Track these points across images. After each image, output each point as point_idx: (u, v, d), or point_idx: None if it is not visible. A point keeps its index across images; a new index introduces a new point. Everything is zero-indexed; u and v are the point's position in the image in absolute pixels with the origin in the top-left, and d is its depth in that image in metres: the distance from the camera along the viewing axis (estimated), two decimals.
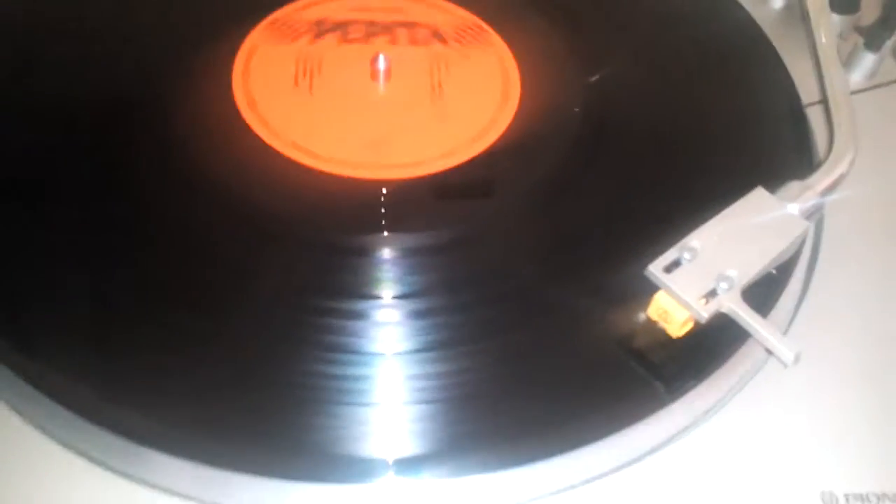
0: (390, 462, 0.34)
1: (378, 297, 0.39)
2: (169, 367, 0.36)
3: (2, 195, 0.41)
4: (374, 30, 0.48)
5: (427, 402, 0.36)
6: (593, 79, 0.47)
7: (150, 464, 0.35)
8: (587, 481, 0.36)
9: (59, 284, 0.38)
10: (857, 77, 0.52)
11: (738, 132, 0.46)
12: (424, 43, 0.48)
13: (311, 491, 0.35)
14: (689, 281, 0.36)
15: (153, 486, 0.35)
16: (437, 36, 0.48)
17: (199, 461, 0.34)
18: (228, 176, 0.41)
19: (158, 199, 0.41)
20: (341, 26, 0.48)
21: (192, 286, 0.38)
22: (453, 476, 0.35)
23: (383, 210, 0.42)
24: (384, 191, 0.42)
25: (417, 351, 0.37)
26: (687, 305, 0.35)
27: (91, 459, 0.35)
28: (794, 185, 0.40)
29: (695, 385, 0.37)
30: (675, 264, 0.36)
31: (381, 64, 0.45)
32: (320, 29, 0.48)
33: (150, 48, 0.46)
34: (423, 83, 0.46)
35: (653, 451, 0.37)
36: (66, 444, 0.36)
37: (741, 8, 0.52)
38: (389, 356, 0.37)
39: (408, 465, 0.34)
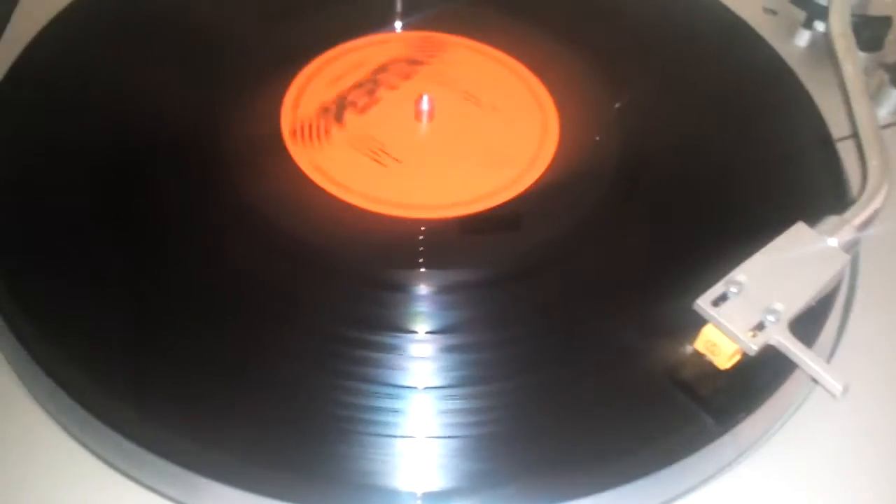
0: (419, 495, 0.35)
1: (413, 332, 0.39)
2: (203, 392, 0.37)
3: (57, 226, 0.42)
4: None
5: (459, 436, 0.36)
6: (618, 108, 0.49)
7: (182, 484, 0.35)
8: None
9: (111, 311, 0.39)
10: (882, 112, 0.52)
11: (771, 168, 0.47)
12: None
13: None
14: (737, 314, 0.36)
15: None
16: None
17: (230, 485, 0.35)
18: (274, 210, 0.43)
19: (206, 230, 0.42)
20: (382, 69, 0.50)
21: (234, 317, 0.39)
22: None
23: (421, 247, 0.43)
24: (423, 228, 0.43)
25: (451, 386, 0.38)
26: (736, 339, 0.36)
27: (129, 476, 0.36)
28: (832, 220, 0.40)
29: (744, 417, 0.37)
30: (723, 298, 0.37)
31: (426, 105, 0.46)
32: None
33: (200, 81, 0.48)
34: (466, 121, 0.47)
35: (700, 485, 0.37)
36: (103, 458, 0.37)
37: (768, 46, 0.53)
38: (421, 389, 0.37)
39: (436, 498, 0.35)
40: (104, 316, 0.39)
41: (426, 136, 0.47)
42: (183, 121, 0.46)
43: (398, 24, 0.53)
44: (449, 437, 0.36)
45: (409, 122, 0.47)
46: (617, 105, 0.49)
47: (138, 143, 0.46)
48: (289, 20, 0.52)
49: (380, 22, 0.52)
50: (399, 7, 0.53)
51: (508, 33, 0.52)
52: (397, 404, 0.37)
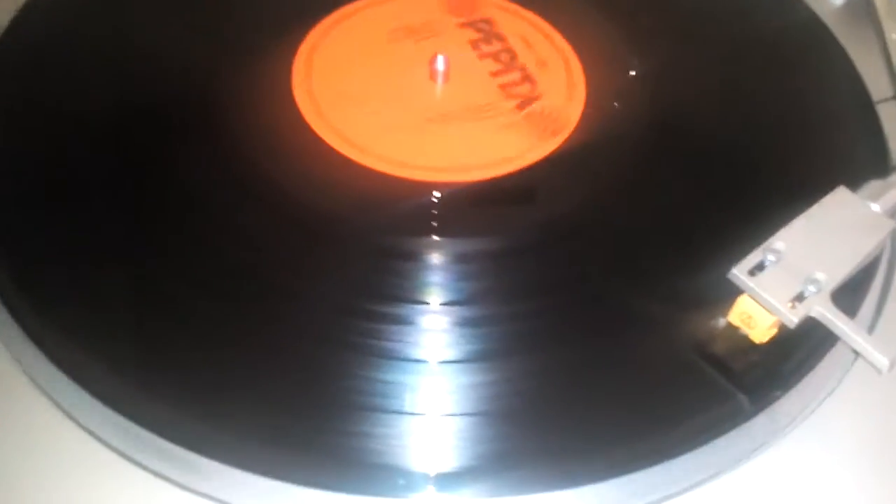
0: (432, 476, 0.33)
1: (426, 303, 0.37)
2: (205, 368, 0.35)
3: (57, 194, 0.40)
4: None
5: (474, 414, 0.34)
6: (644, 71, 0.46)
7: (187, 466, 0.34)
8: None
9: (109, 283, 0.38)
10: None
11: (808, 131, 0.45)
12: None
13: (346, 502, 0.33)
14: (775, 284, 0.34)
15: (189, 489, 0.34)
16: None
17: (237, 467, 0.33)
18: (283, 175, 0.41)
19: (209, 197, 0.41)
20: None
21: (237, 287, 0.38)
22: (497, 495, 0.33)
23: (436, 213, 0.40)
24: (438, 194, 0.41)
25: (466, 361, 0.36)
26: (775, 310, 0.34)
27: (132, 461, 0.35)
28: (875, 184, 0.38)
29: (781, 395, 0.35)
30: (760, 267, 0.35)
31: (440, 65, 0.44)
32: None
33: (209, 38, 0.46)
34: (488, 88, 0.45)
35: (733, 466, 0.35)
36: (101, 439, 0.35)
37: (804, 4, 0.51)
38: (434, 364, 0.35)
39: (450, 480, 0.33)
40: (103, 288, 0.37)
41: (441, 97, 0.45)
42: (186, 82, 0.44)
43: None
44: (464, 414, 0.34)
45: (424, 82, 0.45)
46: (632, 73, 0.46)
47: (138, 104, 0.44)
48: None
49: None
50: None
51: None
52: (409, 380, 0.35)
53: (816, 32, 0.49)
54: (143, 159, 0.42)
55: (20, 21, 0.47)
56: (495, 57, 0.47)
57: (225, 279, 0.38)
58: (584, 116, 0.44)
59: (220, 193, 0.41)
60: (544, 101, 0.45)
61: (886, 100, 0.47)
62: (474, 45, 0.47)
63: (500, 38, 0.48)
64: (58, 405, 0.36)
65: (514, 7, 0.49)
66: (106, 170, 0.41)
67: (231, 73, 0.44)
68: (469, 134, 0.43)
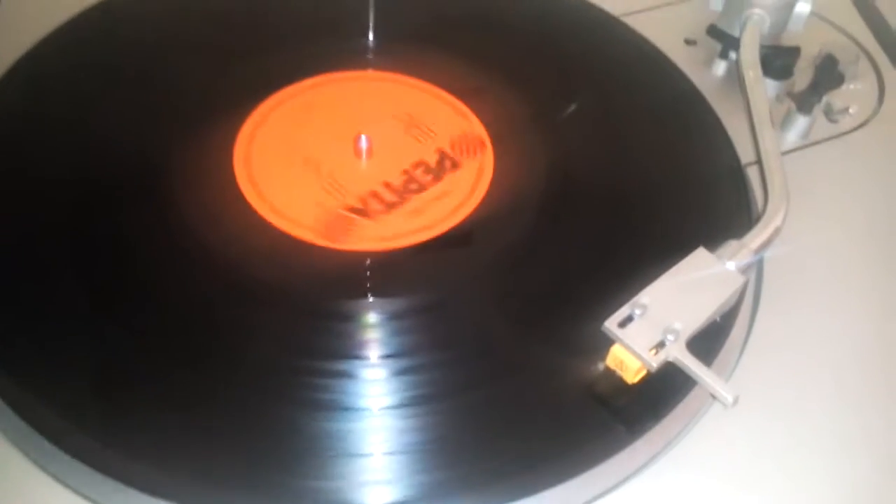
0: None
1: (365, 358, 0.43)
2: (166, 420, 0.39)
3: (15, 267, 0.45)
4: None
5: (407, 452, 0.40)
6: (542, 141, 0.51)
7: None
8: None
9: (73, 350, 0.42)
10: (792, 137, 0.56)
11: (682, 194, 0.50)
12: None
13: None
14: (640, 334, 0.40)
15: None
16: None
17: None
18: (230, 250, 0.46)
19: (163, 269, 0.45)
20: None
21: (194, 350, 0.42)
22: None
23: (367, 279, 0.46)
24: (368, 262, 0.46)
25: (399, 406, 0.41)
26: (639, 356, 0.40)
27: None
28: (731, 244, 0.44)
29: (653, 425, 0.41)
30: (629, 319, 0.41)
31: (364, 143, 0.50)
32: None
33: (154, 123, 0.51)
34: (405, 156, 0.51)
35: (617, 486, 0.41)
36: (71, 487, 0.39)
37: (684, 75, 0.57)
38: (376, 411, 0.41)
39: None
40: (53, 344, 0.42)
41: (366, 171, 0.50)
42: (131, 162, 0.49)
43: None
44: (400, 452, 0.40)
45: (350, 159, 0.50)
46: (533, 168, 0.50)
47: (83, 177, 0.48)
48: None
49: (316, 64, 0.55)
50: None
51: (446, 70, 0.55)
52: (355, 426, 0.40)
53: (695, 102, 0.55)
54: (89, 227, 0.46)
55: None
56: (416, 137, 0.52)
57: (184, 344, 0.42)
58: (486, 194, 0.49)
59: (166, 263, 0.45)
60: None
61: (754, 163, 0.53)
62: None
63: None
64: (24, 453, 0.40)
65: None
66: (52, 236, 0.46)
67: (177, 157, 0.49)
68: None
